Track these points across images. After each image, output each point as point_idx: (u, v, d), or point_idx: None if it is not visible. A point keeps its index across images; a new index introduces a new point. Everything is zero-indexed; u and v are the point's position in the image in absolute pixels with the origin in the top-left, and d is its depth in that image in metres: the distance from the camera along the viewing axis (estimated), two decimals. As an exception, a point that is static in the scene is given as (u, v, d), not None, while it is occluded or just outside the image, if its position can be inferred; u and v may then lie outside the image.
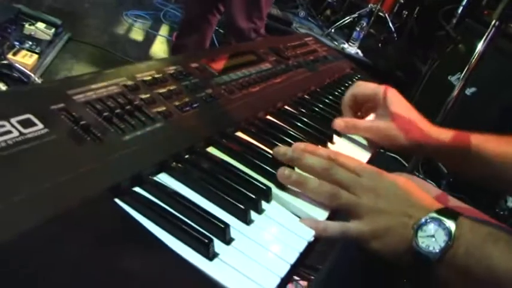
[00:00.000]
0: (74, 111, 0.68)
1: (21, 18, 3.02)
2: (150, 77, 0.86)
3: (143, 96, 0.80)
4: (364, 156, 1.05)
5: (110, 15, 4.08)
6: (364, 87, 1.11)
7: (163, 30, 4.21)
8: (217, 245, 0.62)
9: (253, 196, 0.72)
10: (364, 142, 1.09)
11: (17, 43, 2.77)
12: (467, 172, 1.08)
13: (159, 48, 3.88)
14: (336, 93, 1.34)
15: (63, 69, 2.99)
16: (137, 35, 3.98)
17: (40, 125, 0.62)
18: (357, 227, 0.75)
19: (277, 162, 0.82)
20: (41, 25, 3.00)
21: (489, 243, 0.70)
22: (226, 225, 0.64)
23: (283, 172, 0.79)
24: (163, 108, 0.80)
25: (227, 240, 0.64)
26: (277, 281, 0.61)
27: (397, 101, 1.06)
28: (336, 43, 4.71)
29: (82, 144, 0.64)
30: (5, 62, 0.93)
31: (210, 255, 0.60)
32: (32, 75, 0.83)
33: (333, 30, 4.84)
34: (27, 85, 0.65)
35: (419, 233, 0.72)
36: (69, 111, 0.67)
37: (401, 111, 1.04)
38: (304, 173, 0.80)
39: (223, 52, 1.16)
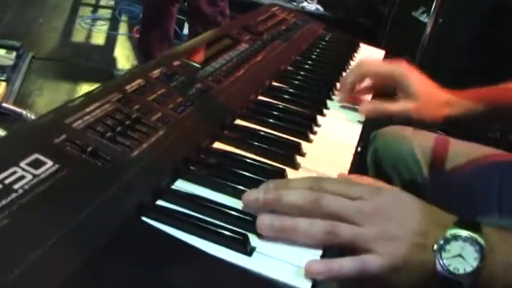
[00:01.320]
0: (77, 140, 0.67)
1: (-22, 49, 2.97)
2: (138, 86, 0.85)
3: (138, 107, 0.79)
4: (356, 127, 1.03)
5: (66, 26, 4.01)
6: (377, 67, 1.10)
7: (123, 28, 4.16)
8: (252, 238, 0.62)
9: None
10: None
11: (-20, 75, 2.74)
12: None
13: (123, 47, 3.83)
14: (314, 56, 1.34)
15: (34, 90, 2.95)
16: (98, 39, 3.93)
17: (49, 162, 0.62)
18: (376, 262, 0.60)
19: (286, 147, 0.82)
20: (1, 51, 2.96)
21: None
22: (255, 218, 0.64)
23: (263, 221, 0.64)
24: (160, 114, 0.80)
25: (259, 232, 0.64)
26: (319, 254, 0.62)
27: (417, 79, 1.06)
28: (295, 3, 4.68)
29: (95, 171, 0.64)
30: (-8, 105, 0.92)
31: (248, 250, 0.60)
32: (23, 111, 0.82)
33: (288, -9, 4.80)
34: (25, 124, 0.64)
35: (443, 255, 0.60)
36: (73, 141, 0.66)
37: (423, 90, 1.05)
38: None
39: (199, 43, 1.15)
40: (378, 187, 0.68)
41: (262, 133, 0.87)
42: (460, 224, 0.62)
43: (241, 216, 0.64)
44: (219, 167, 0.75)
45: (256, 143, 0.83)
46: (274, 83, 1.10)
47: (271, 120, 0.92)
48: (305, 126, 0.92)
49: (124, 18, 4.30)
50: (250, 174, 0.73)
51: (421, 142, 1.22)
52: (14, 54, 3.01)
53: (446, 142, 1.22)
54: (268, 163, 0.78)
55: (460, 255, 0.59)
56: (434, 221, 0.63)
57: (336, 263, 0.61)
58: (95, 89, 0.82)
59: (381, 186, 0.71)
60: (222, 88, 0.95)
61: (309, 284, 0.58)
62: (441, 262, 0.59)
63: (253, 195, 0.67)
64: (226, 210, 0.65)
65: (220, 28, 1.33)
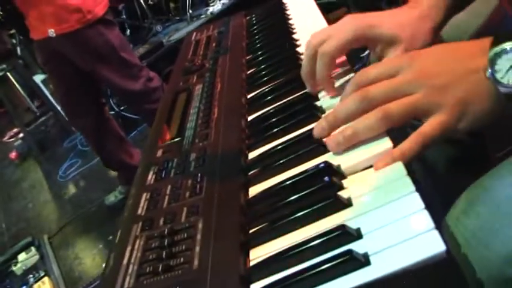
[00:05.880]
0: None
1: (3, 270, 2.96)
2: (146, 200, 0.80)
3: (163, 220, 0.73)
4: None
5: (52, 192, 3.99)
6: (335, 46, 0.83)
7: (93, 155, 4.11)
8: (356, 246, 0.56)
9: (328, 180, 0.65)
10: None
11: (24, 287, 2.73)
12: None
13: (105, 172, 3.75)
14: (260, 45, 1.26)
15: (72, 262, 2.93)
16: (82, 180, 3.90)
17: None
18: (436, 124, 0.63)
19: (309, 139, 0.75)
20: (22, 256, 2.95)
21: None
22: (343, 226, 0.58)
23: (329, 142, 0.70)
24: (186, 208, 0.74)
25: (357, 236, 0.57)
26: (425, 212, 0.56)
27: (379, 21, 0.84)
28: (204, 16, 4.63)
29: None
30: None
31: (364, 260, 0.54)
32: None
33: (191, 11, 4.75)
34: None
35: (498, 76, 0.60)
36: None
37: (394, 24, 0.83)
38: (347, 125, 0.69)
39: (161, 119, 1.08)
40: (408, 53, 0.71)
41: (279, 147, 0.80)
42: (496, 42, 0.61)
43: (330, 235, 0.58)
44: (271, 211, 0.68)
45: (284, 160, 0.76)
46: (249, 96, 1.04)
47: (276, 129, 0.85)
48: (308, 108, 0.85)
49: (88, 147, 4.27)
50: (303, 192, 0.67)
51: None
52: (33, 249, 2.99)
53: None
54: (307, 169, 0.71)
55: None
56: (473, 52, 0.64)
57: (396, 151, 0.63)
58: (115, 237, 0.76)
59: (410, 52, 0.72)
60: (213, 140, 0.89)
61: (443, 246, 0.51)
62: (500, 84, 0.60)
63: (318, 127, 0.74)
64: (313, 243, 0.58)
65: (166, 91, 1.27)
